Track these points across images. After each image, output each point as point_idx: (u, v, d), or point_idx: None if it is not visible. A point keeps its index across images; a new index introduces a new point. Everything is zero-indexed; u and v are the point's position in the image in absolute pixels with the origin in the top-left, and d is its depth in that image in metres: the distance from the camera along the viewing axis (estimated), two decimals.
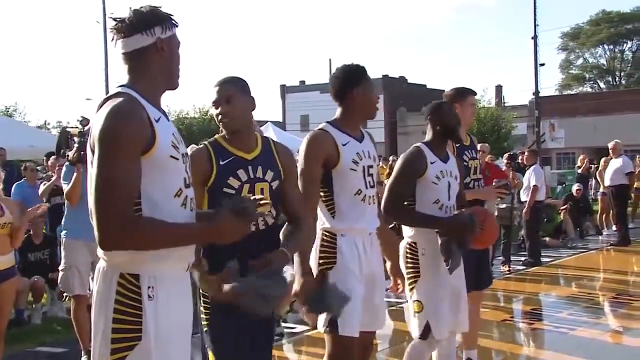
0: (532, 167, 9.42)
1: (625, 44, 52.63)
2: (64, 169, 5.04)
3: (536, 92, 29.89)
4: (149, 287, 1.92)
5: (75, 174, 4.73)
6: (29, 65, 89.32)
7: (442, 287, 3.37)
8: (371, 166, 3.06)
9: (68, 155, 4.87)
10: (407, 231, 3.48)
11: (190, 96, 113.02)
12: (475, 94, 4.38)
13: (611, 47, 52.69)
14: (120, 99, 1.93)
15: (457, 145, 4.00)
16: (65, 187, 4.87)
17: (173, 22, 2.07)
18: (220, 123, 2.60)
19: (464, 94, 4.20)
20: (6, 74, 68.92)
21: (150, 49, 2.01)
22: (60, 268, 4.99)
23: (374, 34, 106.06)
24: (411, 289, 3.40)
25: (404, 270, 3.43)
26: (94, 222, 1.88)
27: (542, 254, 9.47)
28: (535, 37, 28.85)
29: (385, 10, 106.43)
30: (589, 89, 52.69)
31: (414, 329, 3.39)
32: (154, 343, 1.91)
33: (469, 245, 3.39)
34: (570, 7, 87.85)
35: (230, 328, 2.51)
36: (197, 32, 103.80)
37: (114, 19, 2.04)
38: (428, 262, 3.37)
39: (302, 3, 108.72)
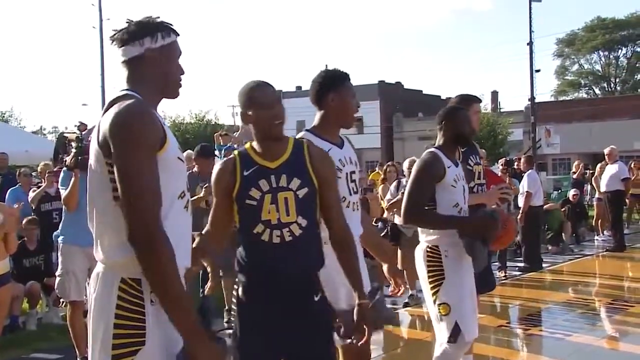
0: (526, 173, 9.46)
1: (620, 51, 52.89)
2: (61, 174, 5.03)
3: (532, 98, 29.99)
4: (151, 292, 1.91)
5: (72, 180, 4.72)
6: (25, 70, 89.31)
7: (466, 288, 3.38)
8: (354, 172, 3.01)
9: (65, 161, 4.87)
10: (426, 235, 3.47)
11: (186, 102, 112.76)
12: (480, 101, 4.41)
13: (606, 53, 52.94)
14: (133, 100, 1.96)
15: (463, 149, 4.04)
16: (63, 193, 4.87)
17: (165, 32, 2.08)
18: (275, 126, 2.45)
19: (469, 101, 4.23)
20: (2, 79, 68.84)
21: (141, 58, 2.05)
22: (57, 274, 4.97)
23: (370, 39, 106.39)
24: (435, 293, 3.36)
25: (423, 275, 3.42)
26: (125, 218, 1.85)
27: (542, 260, 9.49)
28: (530, 44, 28.98)
29: (381, 16, 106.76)
30: (585, 95, 52.92)
31: (442, 333, 3.35)
32: (157, 347, 1.91)
33: (492, 244, 3.42)
34: (566, 14, 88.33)
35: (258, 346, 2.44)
36: (194, 38, 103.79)
37: (112, 30, 2.10)
38: (452, 263, 3.36)
39: (299, 9, 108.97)
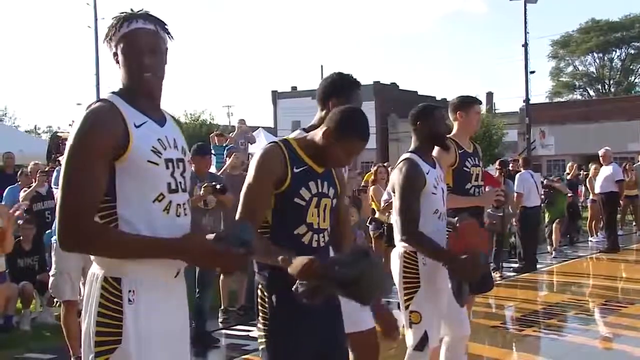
0: (518, 174, 9.46)
1: (614, 52, 53.13)
2: (54, 173, 5.02)
3: (527, 100, 30.03)
4: (129, 291, 1.92)
5: None
6: (19, 69, 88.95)
7: (440, 298, 3.33)
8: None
9: (59, 160, 4.86)
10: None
11: (182, 102, 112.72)
12: (480, 102, 4.38)
13: (600, 55, 53.16)
14: (96, 105, 1.95)
15: (460, 151, 4.04)
16: (56, 192, 4.85)
17: (129, 20, 1.99)
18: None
19: (470, 103, 4.23)
20: None
21: (114, 56, 2.05)
22: (50, 273, 4.96)
23: (365, 40, 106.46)
24: (408, 299, 3.31)
25: (398, 279, 3.36)
26: (56, 223, 1.91)
27: (537, 261, 9.52)
28: (525, 45, 28.99)
29: (377, 17, 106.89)
30: (579, 97, 53.11)
31: (409, 339, 3.34)
32: (133, 347, 1.91)
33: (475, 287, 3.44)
34: (561, 16, 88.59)
35: (294, 349, 2.40)
36: (189, 38, 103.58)
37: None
38: (429, 272, 3.29)
39: (294, 10, 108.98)
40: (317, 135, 2.42)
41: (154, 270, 1.96)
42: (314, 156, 2.42)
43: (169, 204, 1.99)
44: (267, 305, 2.39)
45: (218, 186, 5.70)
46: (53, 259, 4.94)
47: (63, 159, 1.94)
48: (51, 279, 4.91)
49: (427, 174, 3.34)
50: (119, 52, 2.00)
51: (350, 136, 2.36)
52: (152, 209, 1.95)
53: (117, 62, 2.02)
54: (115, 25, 2.01)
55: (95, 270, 1.99)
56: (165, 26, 2.08)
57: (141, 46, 1.98)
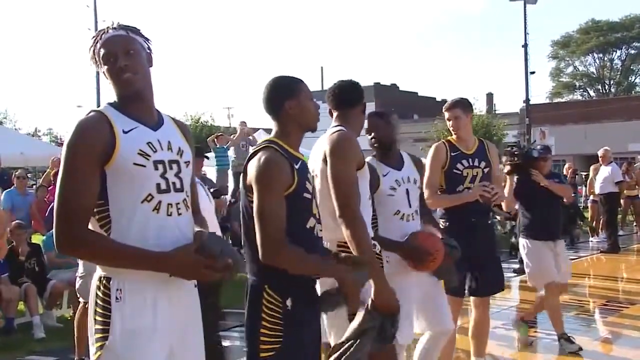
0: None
1: (614, 53, 53.09)
2: None
3: (527, 100, 30.05)
4: (117, 290, 2.03)
5: None
6: (20, 72, 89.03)
7: (408, 297, 3.27)
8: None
9: None
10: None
11: (182, 103, 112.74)
12: (450, 107, 4.22)
13: (600, 55, 53.13)
14: (85, 116, 2.08)
15: (453, 153, 4.10)
16: None
17: (97, 41, 2.11)
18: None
19: (445, 109, 4.26)
20: None
21: (103, 74, 2.17)
22: (78, 275, 4.90)
23: (365, 41, 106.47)
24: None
25: None
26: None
27: None
28: (525, 46, 29.01)
29: (377, 19, 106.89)
30: (579, 97, 53.06)
31: None
32: (119, 344, 2.01)
33: (420, 268, 3.45)
34: (561, 16, 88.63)
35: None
36: (189, 40, 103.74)
37: None
38: (393, 270, 3.27)
39: (294, 11, 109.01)
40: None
41: (145, 272, 2.03)
42: (296, 150, 2.53)
43: (158, 203, 2.06)
44: (277, 309, 2.37)
45: (212, 190, 5.66)
46: (80, 261, 4.93)
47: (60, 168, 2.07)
48: (79, 281, 4.86)
49: (385, 175, 3.46)
50: (101, 65, 2.12)
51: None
52: (141, 210, 2.04)
53: (105, 76, 2.13)
54: (91, 45, 2.13)
55: (98, 270, 2.11)
56: (138, 30, 2.17)
57: (115, 50, 2.09)
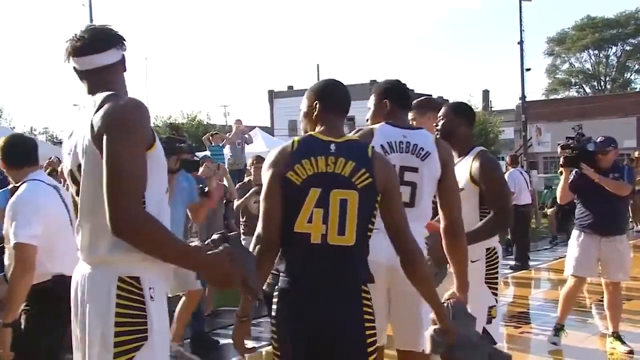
0: (508, 172, 9.46)
1: (610, 49, 53.18)
2: None
3: (523, 97, 30.10)
4: (150, 288, 1.99)
5: None
6: (15, 70, 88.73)
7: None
8: None
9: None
10: None
11: (178, 101, 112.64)
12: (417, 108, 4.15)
13: (596, 52, 53.23)
14: (135, 99, 2.03)
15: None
16: None
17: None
18: None
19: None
20: None
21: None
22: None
23: (361, 39, 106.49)
24: None
25: None
26: (106, 209, 1.85)
27: (529, 258, 9.56)
28: (521, 42, 29.05)
29: (373, 16, 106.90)
30: (575, 94, 53.16)
31: None
32: (157, 341, 2.00)
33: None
34: (556, 13, 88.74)
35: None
36: (185, 37, 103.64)
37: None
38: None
39: (290, 9, 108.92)
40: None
41: (162, 268, 2.04)
42: None
43: (167, 196, 2.14)
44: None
45: (206, 189, 5.57)
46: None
47: (109, 144, 1.91)
48: None
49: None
50: None
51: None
52: (164, 201, 2.08)
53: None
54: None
55: (97, 271, 1.99)
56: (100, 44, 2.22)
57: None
